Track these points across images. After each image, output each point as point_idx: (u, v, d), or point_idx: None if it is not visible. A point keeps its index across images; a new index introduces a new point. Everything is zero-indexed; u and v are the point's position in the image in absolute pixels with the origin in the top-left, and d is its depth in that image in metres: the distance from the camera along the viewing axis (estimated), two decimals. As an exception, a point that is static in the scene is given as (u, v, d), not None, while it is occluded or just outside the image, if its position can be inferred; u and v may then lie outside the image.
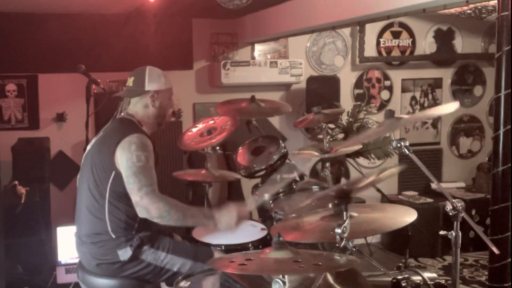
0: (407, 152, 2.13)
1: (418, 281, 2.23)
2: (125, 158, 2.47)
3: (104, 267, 2.54)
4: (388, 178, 2.52)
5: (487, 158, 5.80)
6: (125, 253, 2.50)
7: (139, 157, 2.47)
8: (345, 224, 1.84)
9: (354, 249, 2.04)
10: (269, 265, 1.60)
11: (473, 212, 5.02)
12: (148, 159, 2.50)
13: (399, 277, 2.16)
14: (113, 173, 2.49)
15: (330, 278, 1.88)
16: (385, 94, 5.70)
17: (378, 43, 5.58)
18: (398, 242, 5.04)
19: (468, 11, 4.97)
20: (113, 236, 2.51)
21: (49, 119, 4.81)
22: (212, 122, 3.36)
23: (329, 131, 4.64)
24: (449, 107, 2.25)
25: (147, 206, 2.42)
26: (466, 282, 4.38)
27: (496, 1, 2.39)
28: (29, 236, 3.99)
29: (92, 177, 2.57)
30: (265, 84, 5.12)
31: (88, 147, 2.72)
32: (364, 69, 5.60)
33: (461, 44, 5.79)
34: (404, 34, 5.65)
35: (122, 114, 2.73)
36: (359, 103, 5.14)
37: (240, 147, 3.30)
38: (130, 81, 2.74)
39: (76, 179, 2.74)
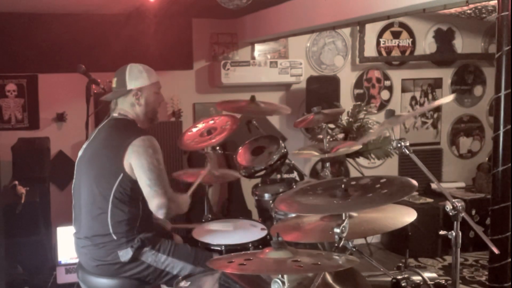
0: (407, 152, 2.13)
1: (418, 281, 2.24)
2: (145, 162, 2.47)
3: (104, 268, 2.54)
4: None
5: (487, 158, 5.79)
6: (125, 254, 2.50)
7: (158, 160, 2.51)
8: (344, 224, 1.85)
9: (354, 249, 2.04)
10: (268, 265, 1.61)
11: (473, 212, 5.02)
12: (162, 162, 2.54)
13: (399, 277, 2.16)
14: (121, 175, 2.49)
15: (329, 278, 1.88)
16: (385, 94, 5.70)
17: (378, 43, 5.58)
18: (398, 242, 5.04)
19: (468, 11, 4.96)
20: (115, 237, 2.50)
21: (49, 119, 4.81)
22: (212, 122, 3.36)
23: (329, 131, 4.64)
24: (445, 99, 2.25)
25: (170, 207, 2.47)
26: (466, 282, 4.38)
27: (496, 1, 2.39)
28: (29, 236, 3.99)
29: (94, 180, 2.55)
30: (265, 84, 5.13)
31: (81, 152, 2.71)
32: (364, 69, 5.60)
33: (461, 44, 5.79)
34: (404, 34, 5.65)
35: (115, 114, 2.71)
36: (359, 103, 5.15)
37: (240, 147, 3.30)
38: (114, 82, 2.73)
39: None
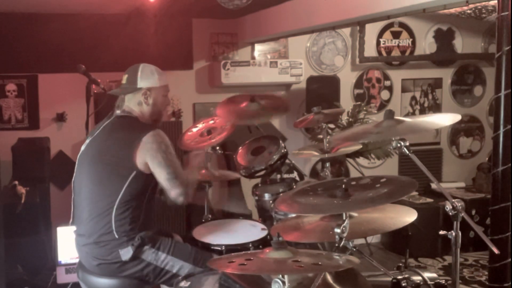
0: (407, 152, 2.12)
1: (418, 281, 2.24)
2: (161, 158, 2.52)
3: (105, 267, 2.54)
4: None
5: (487, 158, 5.80)
6: (126, 253, 2.50)
7: (171, 153, 2.59)
8: (344, 224, 1.85)
9: (354, 249, 2.04)
10: (268, 265, 1.61)
11: (473, 212, 5.02)
12: (173, 151, 2.61)
13: (399, 277, 2.16)
14: (134, 173, 2.51)
15: (329, 278, 1.88)
16: (385, 94, 5.70)
17: (378, 43, 5.58)
18: (398, 242, 5.04)
19: (468, 11, 4.97)
20: (116, 236, 2.51)
21: (49, 119, 4.81)
22: (212, 122, 3.36)
23: (329, 131, 4.63)
24: (450, 119, 2.23)
25: (188, 193, 2.57)
26: (466, 282, 4.38)
27: (496, 1, 2.39)
28: (29, 236, 3.99)
29: (99, 179, 2.55)
30: (265, 84, 5.12)
31: (83, 147, 2.71)
32: (364, 69, 5.60)
33: (461, 44, 5.79)
34: (404, 34, 5.65)
35: (119, 111, 2.72)
36: (359, 103, 5.14)
37: (240, 147, 3.30)
38: (124, 79, 2.75)
39: (76, 179, 2.73)
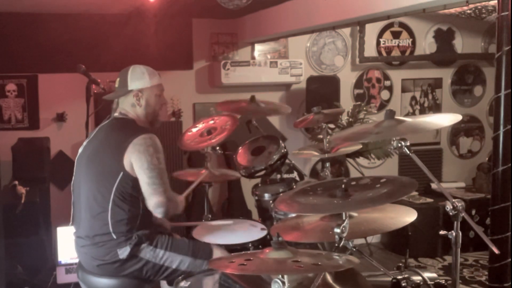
0: (408, 152, 2.12)
1: (418, 281, 2.24)
2: (145, 160, 2.47)
3: (104, 267, 2.53)
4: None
5: (487, 158, 5.79)
6: (124, 252, 2.49)
7: (159, 159, 2.51)
8: (344, 224, 1.85)
9: (354, 249, 2.04)
10: (268, 265, 1.61)
11: (473, 212, 5.02)
12: (163, 160, 2.54)
13: (399, 277, 2.16)
14: (121, 174, 2.49)
15: (329, 278, 1.88)
16: (385, 94, 5.70)
17: (378, 43, 5.58)
18: (398, 242, 5.04)
19: (468, 11, 4.97)
20: (114, 237, 2.50)
21: (49, 119, 4.81)
22: (212, 122, 3.36)
23: (329, 131, 4.63)
24: (451, 119, 2.22)
25: (169, 207, 2.48)
26: (466, 282, 4.38)
27: (496, 1, 2.39)
28: (29, 236, 3.99)
29: (94, 179, 2.55)
30: (265, 84, 5.12)
31: (81, 149, 2.71)
32: (364, 69, 5.60)
33: (461, 44, 5.79)
34: (404, 34, 5.65)
35: (116, 114, 2.72)
36: (359, 103, 5.14)
37: (240, 147, 3.30)
38: (117, 82, 2.74)
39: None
